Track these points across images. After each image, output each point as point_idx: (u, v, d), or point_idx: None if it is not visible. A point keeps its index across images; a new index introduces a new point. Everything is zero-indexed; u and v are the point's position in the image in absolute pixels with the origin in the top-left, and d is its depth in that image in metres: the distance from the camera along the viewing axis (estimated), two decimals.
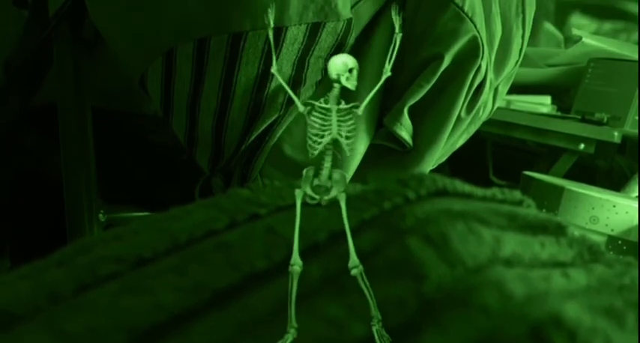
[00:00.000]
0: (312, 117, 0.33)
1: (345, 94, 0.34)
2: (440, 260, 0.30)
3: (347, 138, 0.32)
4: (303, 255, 0.31)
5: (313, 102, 0.33)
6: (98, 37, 0.80)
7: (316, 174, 0.32)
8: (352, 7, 0.67)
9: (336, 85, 0.32)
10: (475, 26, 0.68)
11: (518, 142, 1.71)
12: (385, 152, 0.74)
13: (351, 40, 0.68)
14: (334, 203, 0.34)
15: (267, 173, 0.71)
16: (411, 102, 0.70)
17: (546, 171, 1.52)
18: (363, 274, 0.29)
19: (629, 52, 1.68)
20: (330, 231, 0.32)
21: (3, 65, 0.93)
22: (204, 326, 0.29)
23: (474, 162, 1.79)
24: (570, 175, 1.50)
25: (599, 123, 1.51)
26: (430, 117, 0.72)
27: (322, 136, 0.32)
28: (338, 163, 0.32)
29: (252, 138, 0.69)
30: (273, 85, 0.67)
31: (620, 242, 1.06)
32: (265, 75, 0.66)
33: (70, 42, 0.85)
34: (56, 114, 0.85)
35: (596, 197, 1.07)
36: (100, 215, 0.85)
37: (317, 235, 0.32)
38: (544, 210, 1.06)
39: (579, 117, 1.56)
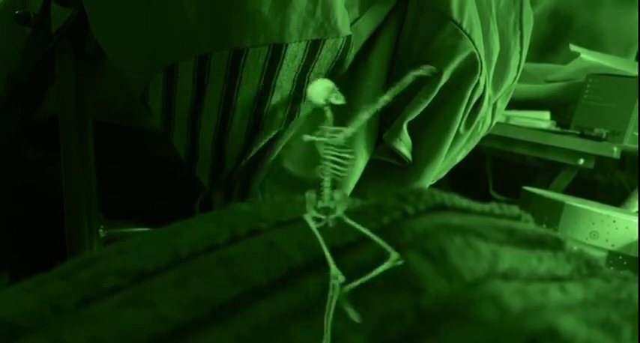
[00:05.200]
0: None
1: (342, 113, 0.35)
2: (438, 274, 0.30)
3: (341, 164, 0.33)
4: (303, 268, 0.31)
5: (312, 137, 0.34)
6: (100, 52, 0.81)
7: (318, 197, 0.33)
8: (352, 24, 0.67)
9: (326, 108, 0.33)
10: (473, 43, 0.69)
11: (518, 157, 1.72)
12: (384, 167, 0.75)
13: (351, 56, 0.68)
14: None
15: (267, 188, 0.72)
16: (410, 117, 0.71)
17: (546, 187, 1.53)
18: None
19: (627, 67, 1.68)
20: (329, 246, 0.33)
21: (5, 80, 0.94)
22: (205, 340, 0.29)
23: (474, 177, 1.80)
24: (570, 190, 1.51)
25: (598, 138, 1.52)
26: (429, 133, 0.73)
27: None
28: (337, 184, 0.33)
29: (253, 153, 0.70)
30: (273, 100, 0.67)
31: (620, 257, 1.06)
32: (266, 91, 0.67)
33: (71, 57, 0.86)
34: (57, 128, 0.86)
35: (596, 212, 1.07)
36: (100, 230, 0.85)
37: (317, 250, 0.33)
38: (544, 226, 1.07)
39: (578, 132, 1.56)
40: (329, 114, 0.34)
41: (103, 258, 0.34)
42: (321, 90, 0.34)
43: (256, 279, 0.31)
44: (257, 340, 0.29)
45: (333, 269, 0.30)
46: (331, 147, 0.34)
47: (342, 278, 0.30)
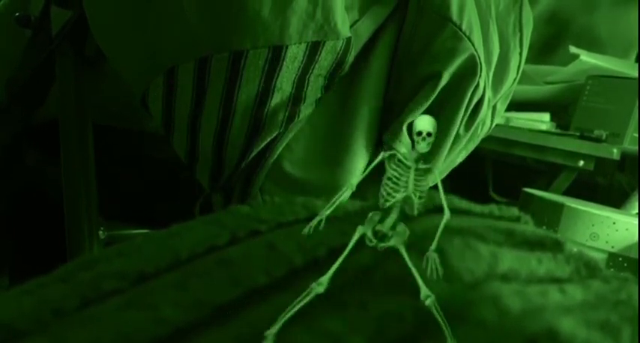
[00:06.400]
0: (391, 169, 0.33)
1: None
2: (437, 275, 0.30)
3: (420, 197, 0.33)
4: (303, 270, 0.31)
5: (396, 152, 0.33)
6: (100, 54, 0.81)
7: (381, 220, 0.32)
8: (351, 26, 0.68)
9: (418, 140, 0.33)
10: (473, 45, 0.69)
11: (518, 159, 1.72)
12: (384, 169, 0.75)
13: (351, 58, 0.68)
14: (335, 218, 0.34)
15: (267, 189, 0.72)
16: (410, 119, 0.71)
17: (546, 188, 1.53)
18: (436, 303, 0.29)
19: (626, 69, 1.68)
20: (329, 247, 0.33)
21: (5, 82, 0.94)
22: (205, 341, 0.29)
23: (474, 178, 1.80)
24: (570, 192, 1.51)
25: (598, 140, 1.52)
26: None
27: (397, 191, 0.33)
28: (404, 217, 0.33)
29: (253, 155, 0.70)
30: (273, 102, 0.67)
31: (620, 259, 1.06)
32: (265, 92, 0.67)
33: (71, 60, 0.86)
34: (57, 131, 0.86)
35: (596, 214, 1.07)
36: (100, 232, 0.85)
37: (317, 251, 0.33)
38: (544, 227, 1.06)
39: (578, 134, 1.56)
40: (418, 148, 0.33)
41: (103, 260, 0.34)
42: (428, 121, 0.33)
43: (256, 281, 0.31)
44: (257, 342, 0.29)
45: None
46: (415, 177, 0.33)
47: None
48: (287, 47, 0.64)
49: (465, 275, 0.30)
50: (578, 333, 0.27)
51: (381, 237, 0.32)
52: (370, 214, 0.32)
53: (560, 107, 1.74)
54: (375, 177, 0.75)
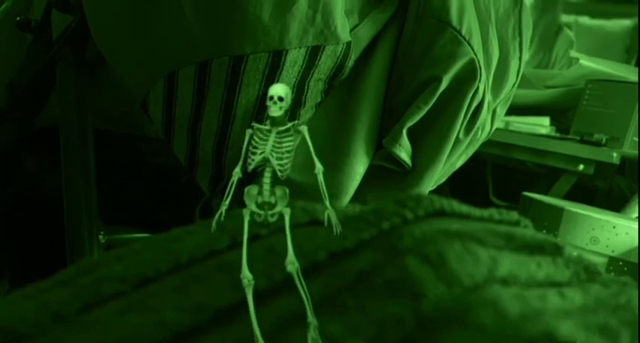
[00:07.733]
0: (254, 137, 0.34)
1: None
2: (437, 279, 0.30)
3: (279, 159, 0.34)
4: (303, 273, 0.31)
5: (257, 125, 0.34)
6: (100, 59, 0.81)
7: (259, 192, 0.33)
8: (351, 31, 0.68)
9: (270, 104, 0.34)
10: (472, 49, 0.69)
11: (518, 163, 1.72)
12: (384, 173, 0.75)
13: (351, 62, 0.68)
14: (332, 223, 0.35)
15: None
16: (410, 123, 0.71)
17: (546, 192, 1.53)
18: (299, 271, 0.30)
19: (626, 73, 1.69)
20: (329, 251, 0.33)
21: (6, 87, 0.94)
22: None
23: (474, 183, 1.80)
24: (570, 196, 1.51)
25: (598, 144, 1.52)
26: (429, 139, 0.73)
27: (256, 154, 0.34)
28: (278, 180, 0.33)
29: None
30: None
31: (620, 263, 1.06)
32: (265, 97, 0.67)
33: (72, 64, 0.86)
34: (58, 136, 0.86)
35: (596, 218, 1.07)
36: (100, 236, 0.85)
37: (317, 254, 0.33)
38: (544, 231, 1.07)
39: (578, 138, 1.56)
40: (277, 109, 0.34)
41: (103, 264, 0.34)
42: (280, 87, 0.34)
43: (257, 284, 0.31)
44: None
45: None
46: (275, 139, 0.34)
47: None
48: (287, 52, 0.64)
49: (464, 279, 0.31)
50: (577, 337, 0.27)
51: (267, 207, 0.33)
52: (246, 189, 0.33)
53: (560, 111, 1.74)
54: (372, 182, 0.75)
